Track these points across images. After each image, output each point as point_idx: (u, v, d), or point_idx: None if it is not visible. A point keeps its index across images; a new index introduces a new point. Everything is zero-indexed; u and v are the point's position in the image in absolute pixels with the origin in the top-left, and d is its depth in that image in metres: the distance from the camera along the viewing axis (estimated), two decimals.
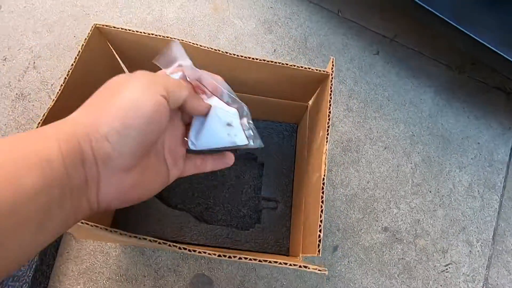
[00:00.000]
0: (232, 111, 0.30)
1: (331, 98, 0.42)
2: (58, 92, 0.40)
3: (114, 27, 0.46)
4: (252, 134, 0.32)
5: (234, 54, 0.45)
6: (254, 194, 0.66)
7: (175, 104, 0.26)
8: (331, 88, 0.43)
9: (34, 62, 0.79)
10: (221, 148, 0.32)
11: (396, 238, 0.69)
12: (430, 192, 0.74)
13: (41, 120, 0.38)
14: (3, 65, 0.77)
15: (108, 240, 0.61)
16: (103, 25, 0.46)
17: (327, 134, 0.40)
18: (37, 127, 0.37)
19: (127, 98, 0.23)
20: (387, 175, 0.74)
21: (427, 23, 0.74)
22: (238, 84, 0.55)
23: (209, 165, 0.34)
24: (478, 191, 0.75)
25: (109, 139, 0.21)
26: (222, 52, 0.45)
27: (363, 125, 0.80)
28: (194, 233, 0.58)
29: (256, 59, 0.45)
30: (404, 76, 0.87)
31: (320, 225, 0.35)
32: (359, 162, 0.75)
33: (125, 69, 0.58)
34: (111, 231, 0.34)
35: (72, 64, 0.42)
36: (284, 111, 0.64)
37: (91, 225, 0.33)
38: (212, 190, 0.66)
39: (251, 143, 0.32)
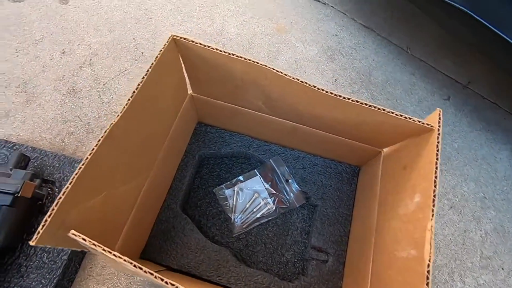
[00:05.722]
0: None
1: (437, 160, 0.35)
2: (126, 105, 0.36)
3: (192, 41, 0.42)
4: None
5: (322, 90, 0.39)
6: (301, 238, 0.58)
7: None
8: (437, 147, 0.35)
9: (90, 59, 0.77)
10: None
11: None
12: (503, 269, 0.63)
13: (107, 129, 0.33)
14: (61, 58, 0.77)
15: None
16: (180, 37, 0.42)
17: (433, 206, 0.32)
18: (99, 140, 0.33)
19: None
20: (452, 240, 0.64)
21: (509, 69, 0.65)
22: (313, 118, 0.49)
23: None
24: None
25: None
26: (310, 85, 0.39)
27: None
28: (232, 275, 0.51)
29: (346, 98, 0.39)
30: (477, 128, 0.78)
31: None
32: None
33: (189, 86, 0.54)
34: (141, 268, 0.28)
35: (146, 74, 0.38)
36: (349, 151, 0.57)
37: (119, 258, 0.28)
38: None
39: None
